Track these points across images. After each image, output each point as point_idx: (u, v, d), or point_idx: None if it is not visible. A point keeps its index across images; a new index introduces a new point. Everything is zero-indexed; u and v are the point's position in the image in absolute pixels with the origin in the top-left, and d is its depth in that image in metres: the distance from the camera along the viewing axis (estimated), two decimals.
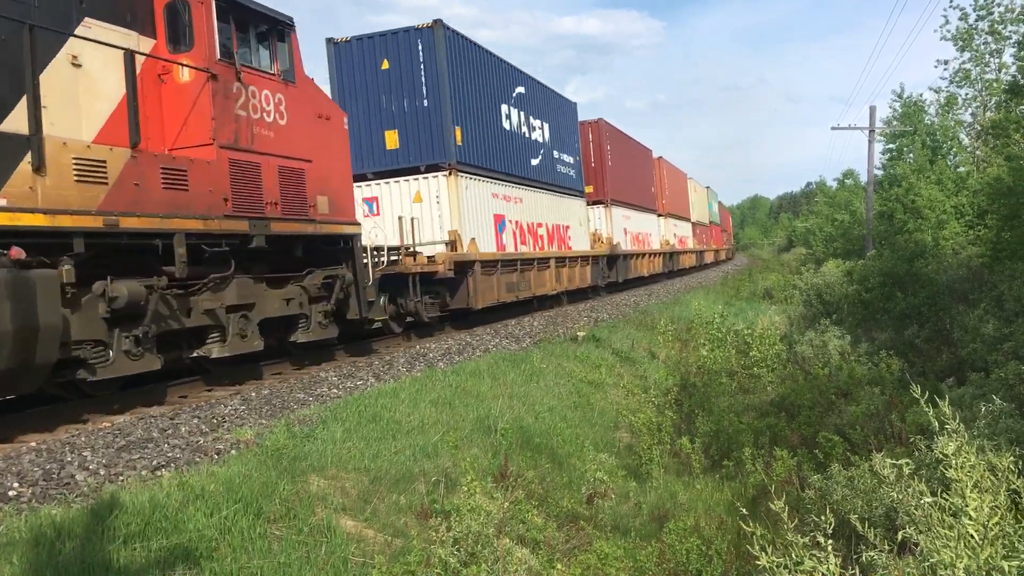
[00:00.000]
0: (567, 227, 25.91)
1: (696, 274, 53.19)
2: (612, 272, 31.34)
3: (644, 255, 37.11)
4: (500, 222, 20.33)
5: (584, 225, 28.00)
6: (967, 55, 34.33)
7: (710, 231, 67.02)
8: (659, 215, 42.20)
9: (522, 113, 22.90)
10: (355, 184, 16.10)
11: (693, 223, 55.06)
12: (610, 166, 31.36)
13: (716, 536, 7.10)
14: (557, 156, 25.99)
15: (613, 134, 32.74)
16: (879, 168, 39.02)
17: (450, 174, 17.91)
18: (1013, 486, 4.03)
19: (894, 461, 4.93)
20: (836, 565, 3.80)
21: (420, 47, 18.06)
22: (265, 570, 5.35)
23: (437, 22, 18.02)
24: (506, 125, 21.57)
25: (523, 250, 21.72)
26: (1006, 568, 3.64)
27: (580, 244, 27.14)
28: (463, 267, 17.73)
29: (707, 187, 69.27)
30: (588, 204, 29.56)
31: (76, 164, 8.47)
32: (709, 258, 65.93)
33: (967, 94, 36.00)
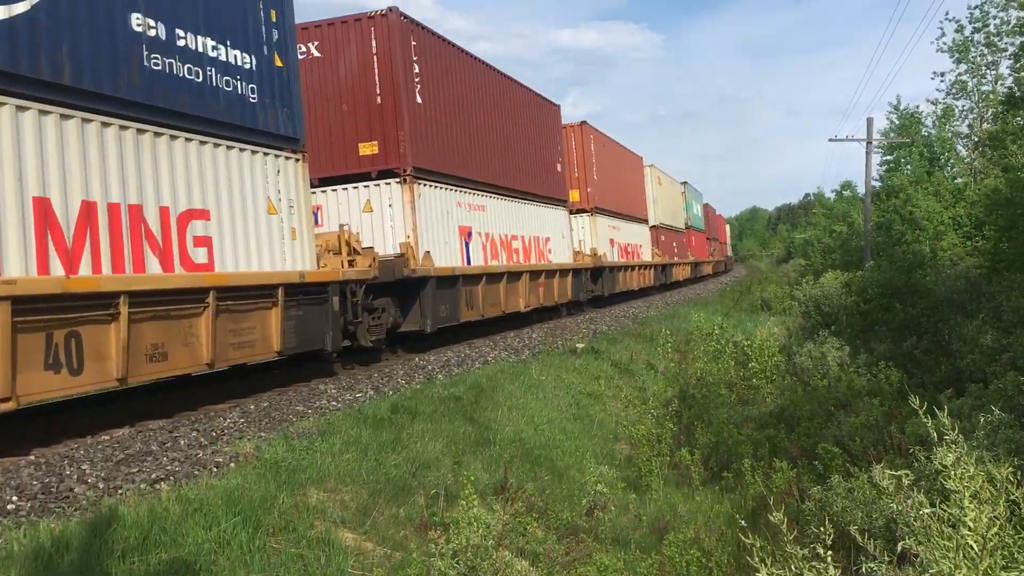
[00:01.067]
0: (186, 215, 10.39)
1: (655, 296, 40.67)
2: (417, 313, 16.36)
3: (522, 275, 21.95)
4: None
5: (285, 217, 12.33)
6: (963, 67, 34.55)
7: (686, 239, 53.30)
8: (577, 212, 29.69)
9: None
10: None
11: (655, 227, 42.08)
12: (419, 105, 16.97)
13: (716, 548, 7.10)
14: (157, 34, 10.07)
15: (429, 46, 17.86)
16: (877, 180, 39.11)
17: None
18: (1012, 497, 4.03)
19: (893, 472, 4.94)
20: None
21: None
22: None
23: None
24: None
25: None
26: None
27: (261, 258, 11.75)
28: None
29: (684, 183, 55.73)
30: (375, 179, 16.44)
31: None
32: (682, 274, 50.43)
33: (964, 106, 36.21)
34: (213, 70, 11.10)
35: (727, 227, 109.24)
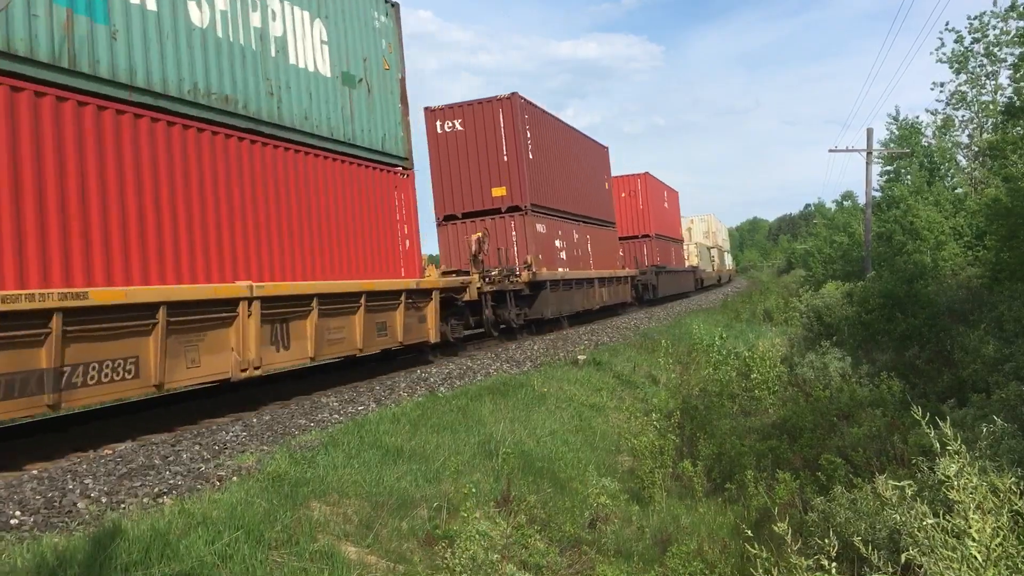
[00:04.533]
0: None
1: None
2: None
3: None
4: None
5: None
6: (963, 77, 34.59)
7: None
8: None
9: None
10: None
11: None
12: None
13: (719, 560, 7.09)
14: None
15: None
16: (877, 190, 39.15)
17: None
18: (1015, 507, 4.03)
19: (896, 483, 4.94)
20: None
21: None
22: None
23: None
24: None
25: None
26: None
27: None
28: None
29: None
30: None
31: None
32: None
33: (963, 116, 36.24)
34: None
35: (705, 226, 72.00)
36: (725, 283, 78.03)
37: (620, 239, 37.52)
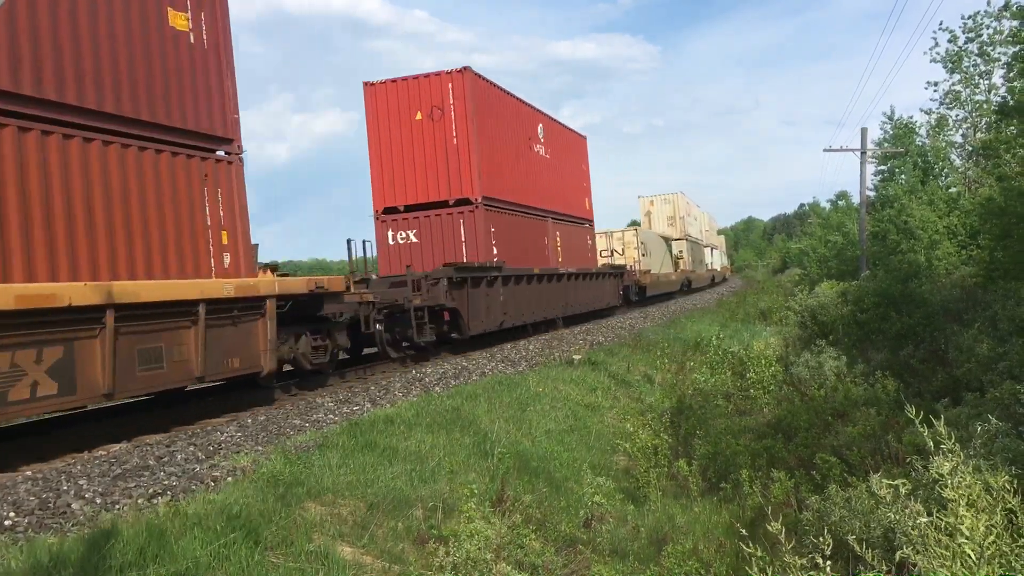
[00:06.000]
0: None
1: None
2: None
3: None
4: None
5: None
6: (957, 77, 34.63)
7: None
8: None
9: None
10: None
11: None
12: None
13: (714, 559, 7.09)
14: None
15: None
16: (871, 189, 39.18)
17: None
18: (1009, 505, 4.05)
19: (891, 482, 4.95)
20: None
21: None
22: None
23: None
24: None
25: None
26: None
27: None
28: None
29: None
30: None
31: None
32: None
33: (957, 115, 36.27)
34: None
35: (670, 209, 53.28)
36: (702, 288, 58.17)
37: (385, 212, 20.14)
